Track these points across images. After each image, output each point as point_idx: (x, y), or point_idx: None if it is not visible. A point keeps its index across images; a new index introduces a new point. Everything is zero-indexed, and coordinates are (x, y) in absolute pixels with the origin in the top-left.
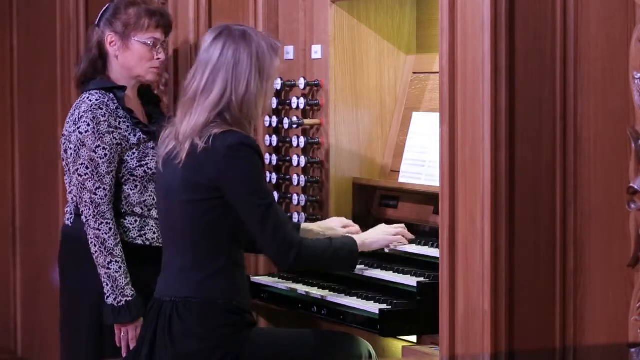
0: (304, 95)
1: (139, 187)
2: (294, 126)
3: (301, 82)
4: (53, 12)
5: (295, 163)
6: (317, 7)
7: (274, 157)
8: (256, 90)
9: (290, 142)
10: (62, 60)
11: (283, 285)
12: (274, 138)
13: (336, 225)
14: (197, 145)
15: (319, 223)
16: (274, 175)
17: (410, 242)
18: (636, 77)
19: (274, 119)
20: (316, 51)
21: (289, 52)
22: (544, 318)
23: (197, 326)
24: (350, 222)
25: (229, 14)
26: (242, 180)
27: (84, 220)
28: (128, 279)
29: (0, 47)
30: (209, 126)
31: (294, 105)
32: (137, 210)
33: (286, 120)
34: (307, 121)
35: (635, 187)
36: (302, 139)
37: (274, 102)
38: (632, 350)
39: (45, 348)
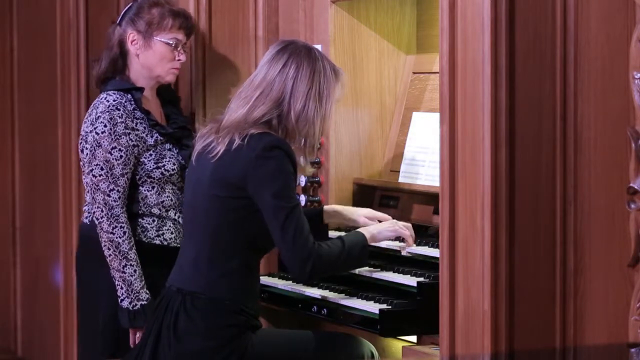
0: None
1: (155, 188)
2: None
3: None
4: (53, 12)
5: None
6: (317, 7)
7: None
8: (313, 110)
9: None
10: (62, 60)
11: (283, 285)
12: None
13: (358, 217)
14: (234, 141)
15: (347, 208)
16: None
17: None
18: (636, 77)
19: None
20: None
21: None
22: (544, 318)
23: (202, 324)
24: (378, 214)
25: (229, 14)
26: (269, 181)
27: (97, 222)
28: (143, 282)
29: (0, 47)
30: (252, 126)
31: None
32: (155, 211)
33: None
34: None
35: (635, 187)
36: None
37: None
38: (632, 350)
39: (45, 348)
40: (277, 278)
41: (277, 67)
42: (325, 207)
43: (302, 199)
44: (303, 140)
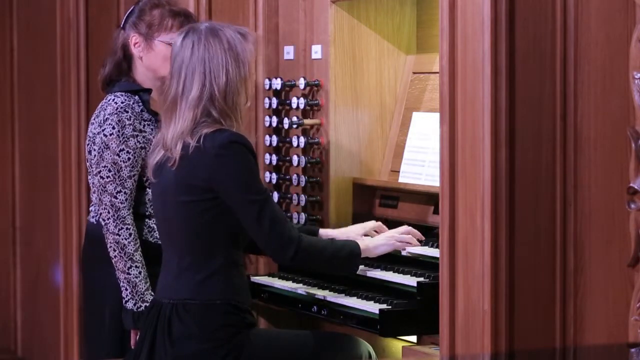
0: (304, 95)
1: None
2: (294, 126)
3: (301, 82)
4: (53, 12)
5: (295, 163)
6: (317, 7)
7: (274, 157)
8: (236, 78)
9: (290, 142)
10: (62, 60)
11: (283, 285)
12: (274, 138)
13: (355, 231)
14: (189, 145)
15: (340, 230)
16: (274, 175)
17: None
18: (636, 77)
19: (274, 119)
20: (316, 51)
21: (289, 52)
22: (544, 318)
23: (197, 328)
24: (372, 224)
25: (229, 14)
26: (234, 178)
27: (103, 224)
28: (148, 284)
29: (1, 47)
30: (199, 125)
31: (294, 105)
32: (155, 218)
33: (286, 120)
34: (307, 121)
35: (635, 187)
36: (302, 139)
37: (274, 102)
38: (632, 350)
39: (45, 348)
40: (277, 278)
41: (188, 53)
42: (321, 231)
43: (302, 199)
44: (234, 112)
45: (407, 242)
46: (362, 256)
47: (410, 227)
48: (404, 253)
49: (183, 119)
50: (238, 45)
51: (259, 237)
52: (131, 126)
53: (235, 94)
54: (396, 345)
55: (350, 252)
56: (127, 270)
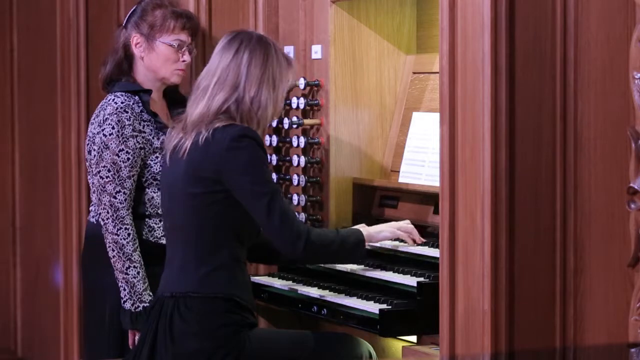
0: (304, 95)
1: None
2: (294, 126)
3: (301, 82)
4: (53, 12)
5: (295, 163)
6: (317, 7)
7: (274, 157)
8: (267, 94)
9: (290, 142)
10: (62, 60)
11: (283, 285)
12: (274, 138)
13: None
14: (201, 136)
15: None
16: (274, 176)
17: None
18: (636, 77)
19: (274, 119)
20: (316, 51)
21: (289, 52)
22: (544, 318)
23: (198, 325)
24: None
25: (229, 14)
26: (244, 170)
27: (102, 223)
28: (146, 284)
29: (1, 47)
30: (215, 119)
31: (294, 105)
32: (162, 211)
33: (286, 120)
34: (307, 121)
35: (635, 187)
36: (302, 139)
37: None
38: (632, 350)
39: (45, 348)
40: (277, 278)
41: (231, 54)
42: None
43: (302, 199)
44: (257, 123)
45: (409, 233)
46: (365, 242)
47: (409, 223)
48: (403, 249)
49: (207, 106)
50: (282, 65)
51: (269, 230)
52: (131, 126)
53: (262, 106)
54: (396, 345)
55: (356, 239)
56: (125, 271)
